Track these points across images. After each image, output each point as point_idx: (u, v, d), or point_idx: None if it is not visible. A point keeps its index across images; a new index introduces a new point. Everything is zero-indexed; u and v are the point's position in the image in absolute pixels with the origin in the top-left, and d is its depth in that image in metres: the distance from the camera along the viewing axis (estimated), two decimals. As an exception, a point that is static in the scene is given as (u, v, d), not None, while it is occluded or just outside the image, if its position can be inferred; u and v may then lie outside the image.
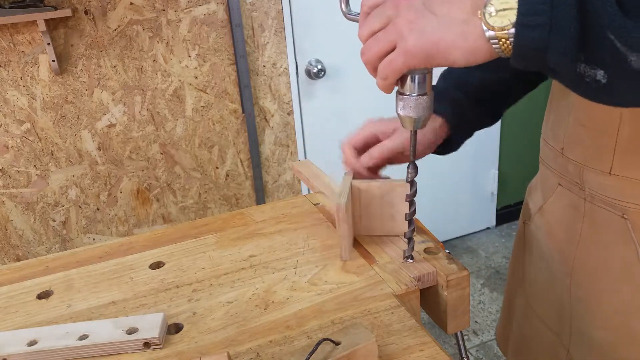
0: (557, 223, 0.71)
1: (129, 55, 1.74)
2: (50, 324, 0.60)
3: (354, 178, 0.69)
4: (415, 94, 0.53)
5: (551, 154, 0.71)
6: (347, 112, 2.11)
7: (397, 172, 0.73)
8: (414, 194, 0.62)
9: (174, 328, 0.58)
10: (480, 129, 0.76)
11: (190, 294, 0.63)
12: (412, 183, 0.62)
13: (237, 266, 0.68)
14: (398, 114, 0.55)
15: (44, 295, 0.66)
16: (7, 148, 1.71)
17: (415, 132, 0.59)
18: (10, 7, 1.49)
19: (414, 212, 0.63)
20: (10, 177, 1.74)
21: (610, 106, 0.44)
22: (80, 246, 1.21)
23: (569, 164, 0.66)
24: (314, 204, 0.84)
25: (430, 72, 0.53)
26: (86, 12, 1.65)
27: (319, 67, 1.97)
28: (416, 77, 0.52)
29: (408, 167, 0.61)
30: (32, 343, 0.54)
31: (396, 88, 0.54)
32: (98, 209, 1.90)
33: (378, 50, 0.47)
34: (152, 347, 0.54)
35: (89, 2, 1.64)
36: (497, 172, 2.52)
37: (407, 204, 0.64)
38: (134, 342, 0.54)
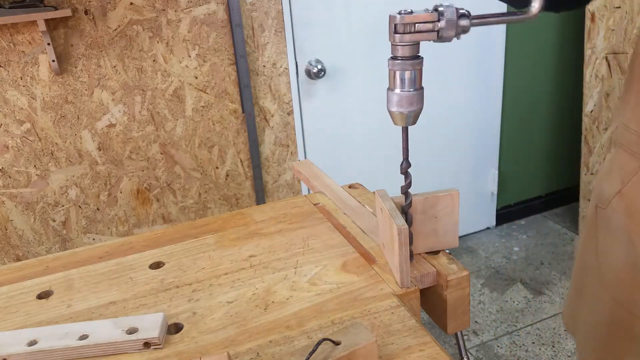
0: (638, 206, 0.72)
1: (129, 55, 1.74)
2: (50, 324, 0.60)
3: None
4: (405, 90, 0.54)
5: (634, 138, 0.71)
6: (347, 112, 2.11)
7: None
8: (409, 185, 0.62)
9: (174, 328, 0.58)
10: None
11: (190, 294, 0.63)
12: (407, 174, 0.62)
13: (237, 266, 0.68)
14: (389, 110, 0.57)
15: (44, 295, 0.66)
16: (7, 148, 1.71)
17: (406, 128, 0.59)
18: (10, 7, 1.49)
19: (409, 205, 0.63)
20: (10, 177, 1.74)
21: None
22: (80, 246, 1.21)
23: None
24: (314, 204, 0.84)
25: (419, 69, 0.54)
26: (86, 12, 1.65)
27: (319, 67, 1.97)
28: (406, 73, 0.54)
29: (402, 165, 0.62)
30: (32, 343, 0.54)
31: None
32: (98, 209, 1.90)
33: None
34: (152, 347, 0.54)
35: (89, 2, 1.64)
36: (497, 172, 2.52)
37: (451, 215, 0.64)
38: (134, 342, 0.54)
